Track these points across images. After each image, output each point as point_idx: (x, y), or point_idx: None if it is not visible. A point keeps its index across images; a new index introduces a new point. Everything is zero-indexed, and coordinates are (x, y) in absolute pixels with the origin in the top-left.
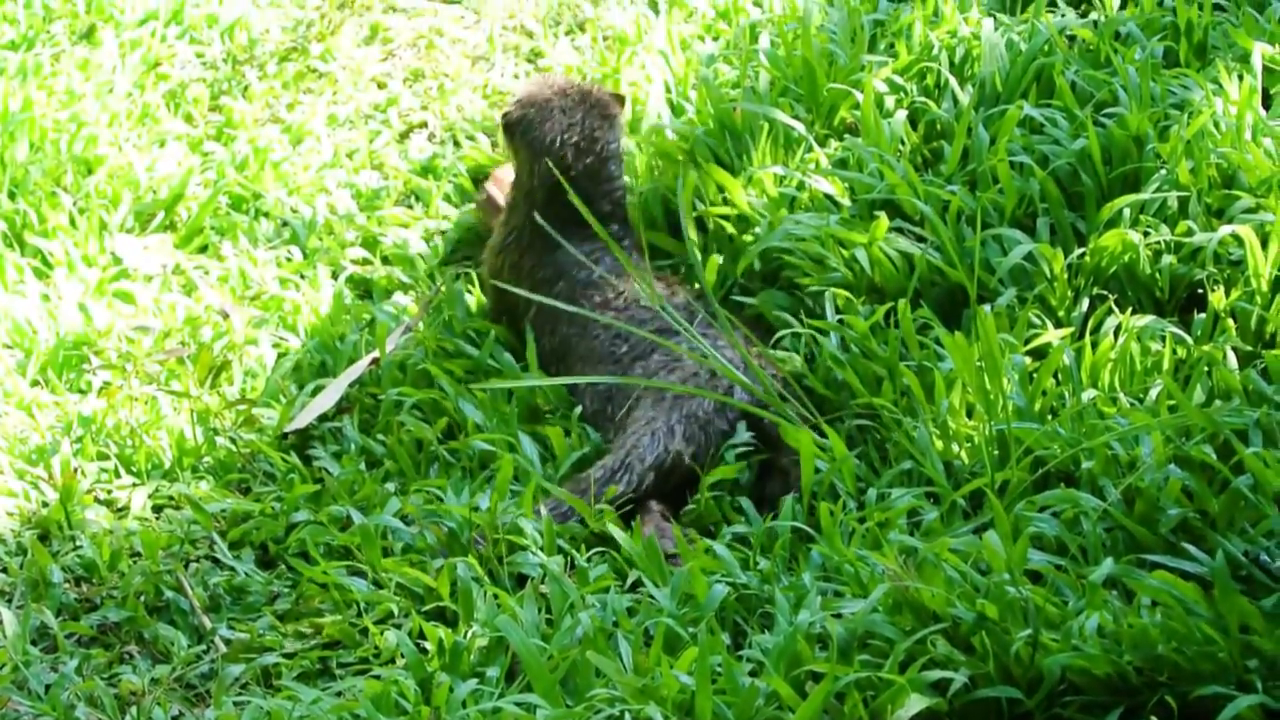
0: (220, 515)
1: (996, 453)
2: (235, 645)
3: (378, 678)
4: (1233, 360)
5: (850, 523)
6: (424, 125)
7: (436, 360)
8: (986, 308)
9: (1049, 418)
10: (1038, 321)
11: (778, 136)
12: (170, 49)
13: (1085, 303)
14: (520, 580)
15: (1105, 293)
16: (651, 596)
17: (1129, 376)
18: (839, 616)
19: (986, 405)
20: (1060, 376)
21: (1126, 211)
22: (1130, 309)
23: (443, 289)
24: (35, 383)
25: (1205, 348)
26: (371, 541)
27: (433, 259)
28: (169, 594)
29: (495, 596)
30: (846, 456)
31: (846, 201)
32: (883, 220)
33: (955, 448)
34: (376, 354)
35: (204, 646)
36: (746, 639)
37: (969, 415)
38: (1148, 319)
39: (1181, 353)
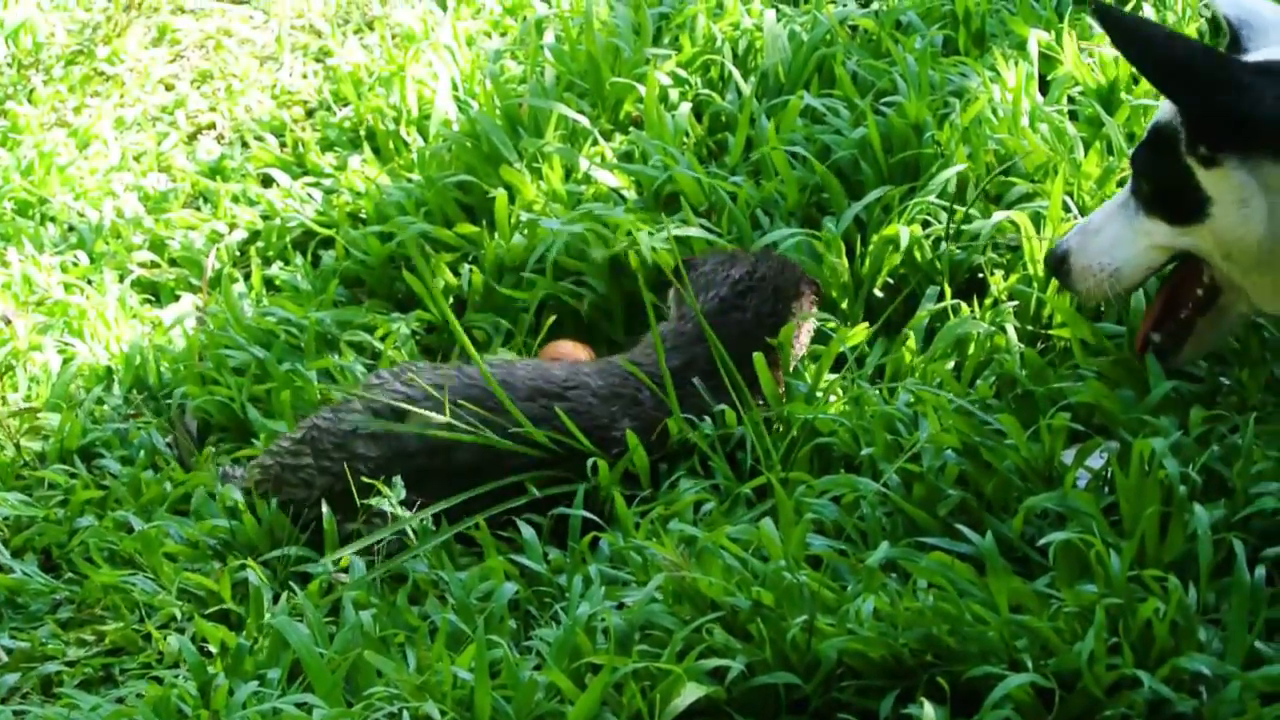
0: (3, 523)
1: (776, 437)
2: (16, 654)
3: (160, 682)
4: (1013, 336)
5: (635, 513)
6: (212, 126)
7: (220, 363)
8: None
9: (829, 404)
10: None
11: (564, 131)
12: None
13: (867, 290)
14: (304, 580)
15: (888, 280)
16: (440, 591)
17: (911, 362)
18: (621, 607)
19: (770, 392)
20: (842, 362)
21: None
22: (914, 295)
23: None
24: None
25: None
26: (153, 546)
27: (221, 260)
28: None
29: (283, 597)
30: (636, 446)
31: (632, 195)
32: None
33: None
34: None
35: None
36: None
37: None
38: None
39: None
